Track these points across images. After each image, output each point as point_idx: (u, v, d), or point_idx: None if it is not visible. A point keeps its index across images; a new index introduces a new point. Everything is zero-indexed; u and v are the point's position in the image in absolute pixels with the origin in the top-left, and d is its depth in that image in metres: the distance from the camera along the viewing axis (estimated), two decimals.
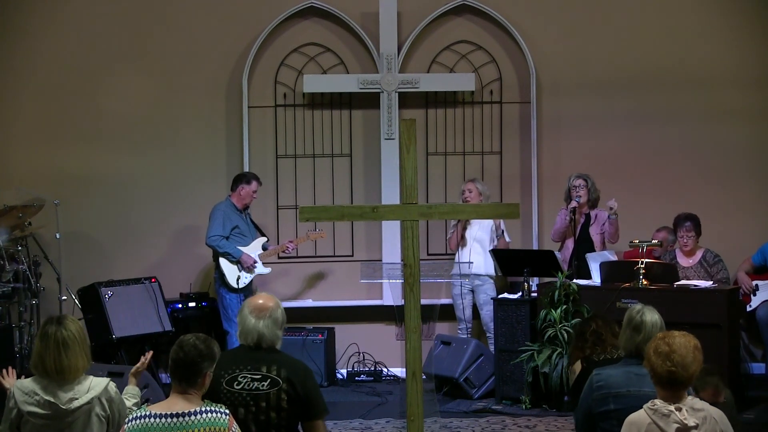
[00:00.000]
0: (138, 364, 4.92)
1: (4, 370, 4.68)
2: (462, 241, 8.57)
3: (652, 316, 4.61)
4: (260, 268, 8.55)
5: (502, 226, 8.59)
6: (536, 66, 9.08)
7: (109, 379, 4.55)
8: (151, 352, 5.12)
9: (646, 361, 4.00)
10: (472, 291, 8.58)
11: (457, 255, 8.59)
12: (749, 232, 8.83)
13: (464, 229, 8.58)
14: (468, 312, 8.56)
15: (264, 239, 8.66)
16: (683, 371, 3.90)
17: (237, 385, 4.31)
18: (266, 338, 4.41)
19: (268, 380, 4.32)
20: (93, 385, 4.44)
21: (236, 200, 8.49)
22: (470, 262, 8.33)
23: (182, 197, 9.05)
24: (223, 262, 8.36)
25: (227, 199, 8.51)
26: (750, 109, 9.15)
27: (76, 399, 4.38)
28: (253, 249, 8.51)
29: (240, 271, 8.40)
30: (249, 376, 4.32)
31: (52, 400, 4.35)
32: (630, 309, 4.70)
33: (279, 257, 9.02)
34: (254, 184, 8.51)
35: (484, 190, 8.56)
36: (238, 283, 8.36)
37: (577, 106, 9.20)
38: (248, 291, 8.38)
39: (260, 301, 4.47)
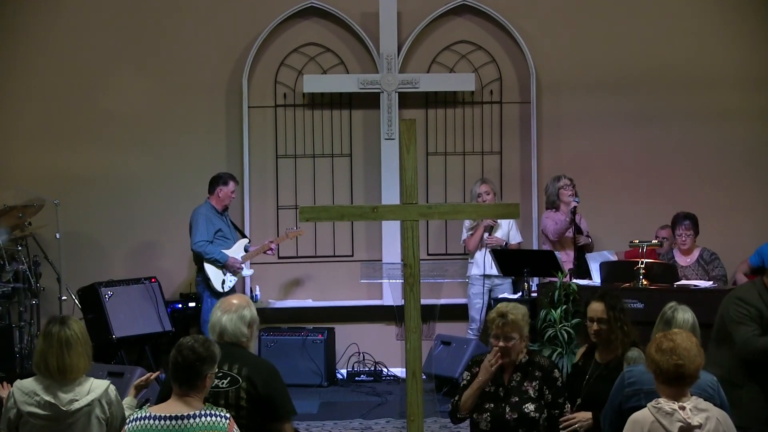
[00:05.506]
0: (142, 378, 4.85)
1: None
2: (481, 243, 8.56)
3: (683, 314, 4.60)
4: (245, 270, 8.52)
5: (514, 228, 8.61)
6: (536, 66, 9.08)
7: (109, 381, 4.53)
8: (158, 372, 5.07)
9: (649, 361, 3.99)
10: (490, 291, 8.58)
11: (476, 256, 8.58)
12: (749, 232, 8.84)
13: (489, 232, 8.55)
14: (483, 312, 8.53)
15: (245, 241, 8.58)
16: (690, 364, 3.89)
17: None
18: (228, 332, 4.47)
19: (228, 378, 4.33)
20: (93, 387, 4.42)
21: (215, 202, 8.38)
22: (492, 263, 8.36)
23: (182, 197, 9.02)
24: (208, 266, 8.28)
25: (206, 202, 8.39)
26: (750, 109, 9.15)
27: (77, 400, 4.36)
28: (236, 251, 8.43)
29: (225, 275, 8.34)
30: None
31: (52, 401, 4.34)
32: (665, 306, 4.70)
33: (279, 257, 9.02)
34: (231, 184, 8.39)
35: (493, 187, 8.59)
36: (223, 287, 8.30)
37: (577, 106, 9.19)
38: (232, 294, 8.34)
39: (231, 300, 4.60)
